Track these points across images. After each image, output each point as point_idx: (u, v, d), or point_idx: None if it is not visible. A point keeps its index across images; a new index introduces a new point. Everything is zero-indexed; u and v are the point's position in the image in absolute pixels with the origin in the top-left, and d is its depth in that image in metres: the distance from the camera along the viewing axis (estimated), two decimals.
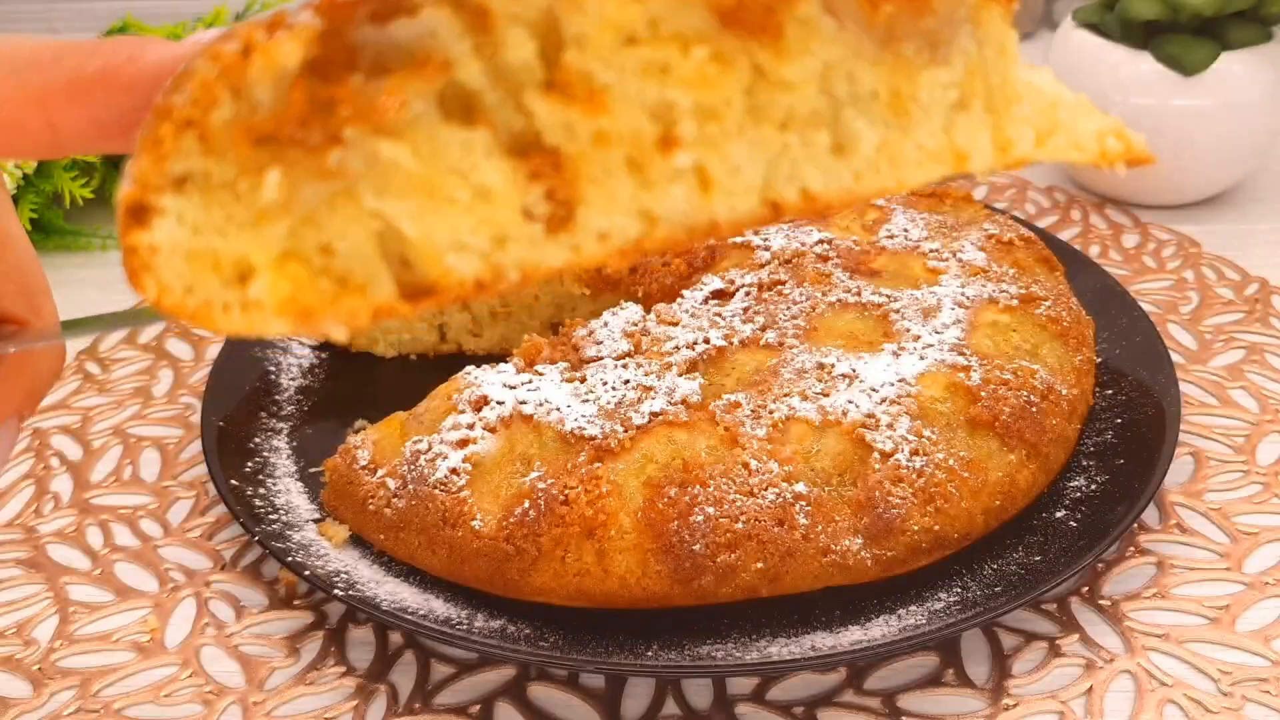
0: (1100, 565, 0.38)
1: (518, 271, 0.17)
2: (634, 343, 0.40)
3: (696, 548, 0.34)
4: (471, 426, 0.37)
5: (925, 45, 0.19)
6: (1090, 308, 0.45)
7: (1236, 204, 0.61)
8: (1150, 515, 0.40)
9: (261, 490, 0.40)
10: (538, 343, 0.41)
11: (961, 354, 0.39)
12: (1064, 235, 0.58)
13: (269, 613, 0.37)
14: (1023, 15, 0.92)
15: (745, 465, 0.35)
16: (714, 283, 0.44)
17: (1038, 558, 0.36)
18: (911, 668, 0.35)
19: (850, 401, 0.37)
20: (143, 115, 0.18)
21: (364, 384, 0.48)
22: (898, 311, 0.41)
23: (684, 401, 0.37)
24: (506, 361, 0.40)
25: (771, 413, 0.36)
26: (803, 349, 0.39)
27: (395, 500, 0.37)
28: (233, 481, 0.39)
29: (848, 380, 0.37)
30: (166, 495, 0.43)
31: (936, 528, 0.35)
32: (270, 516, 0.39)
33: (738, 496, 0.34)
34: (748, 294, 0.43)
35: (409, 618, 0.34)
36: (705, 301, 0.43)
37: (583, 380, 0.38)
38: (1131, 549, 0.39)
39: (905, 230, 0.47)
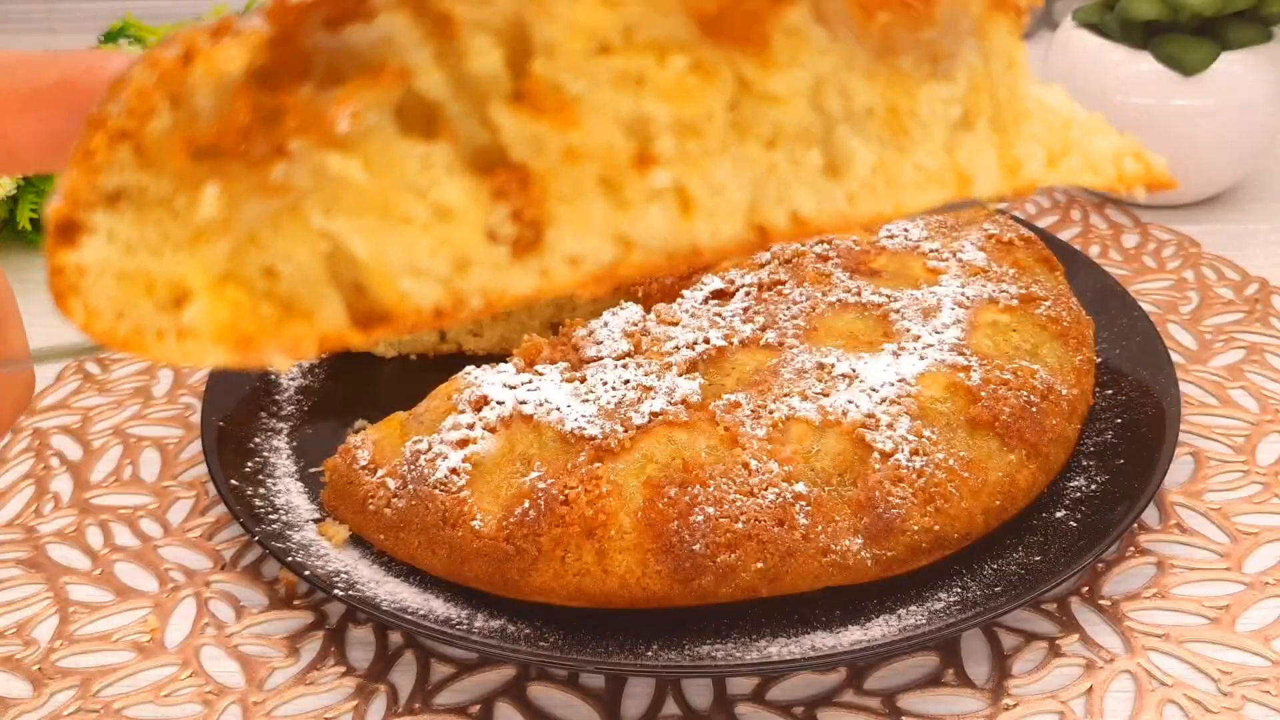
0: (1100, 565, 0.38)
1: (480, 298, 0.16)
2: (634, 343, 0.40)
3: (696, 548, 0.34)
4: (471, 426, 0.37)
5: (925, 58, 0.17)
6: (1090, 308, 0.45)
7: (1236, 204, 0.61)
8: (1150, 515, 0.40)
9: (261, 490, 0.40)
10: (538, 343, 0.41)
11: (961, 354, 0.39)
12: (1064, 235, 0.58)
13: (269, 613, 0.37)
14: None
15: (745, 465, 0.35)
16: (714, 283, 0.44)
17: (1038, 558, 0.36)
18: (911, 668, 0.35)
19: (850, 401, 0.37)
20: None
21: (364, 384, 0.48)
22: (898, 311, 0.41)
23: (684, 401, 0.36)
24: (506, 361, 0.40)
25: (771, 413, 0.36)
26: (803, 349, 0.39)
27: (395, 500, 0.37)
28: (233, 481, 0.39)
29: (848, 380, 0.37)
30: (166, 495, 0.43)
31: (936, 528, 0.35)
32: (270, 516, 0.39)
33: (738, 496, 0.34)
34: (748, 294, 0.43)
35: (409, 618, 0.34)
36: (705, 301, 0.43)
37: (583, 380, 0.38)
38: (1131, 549, 0.39)
39: (905, 230, 0.47)
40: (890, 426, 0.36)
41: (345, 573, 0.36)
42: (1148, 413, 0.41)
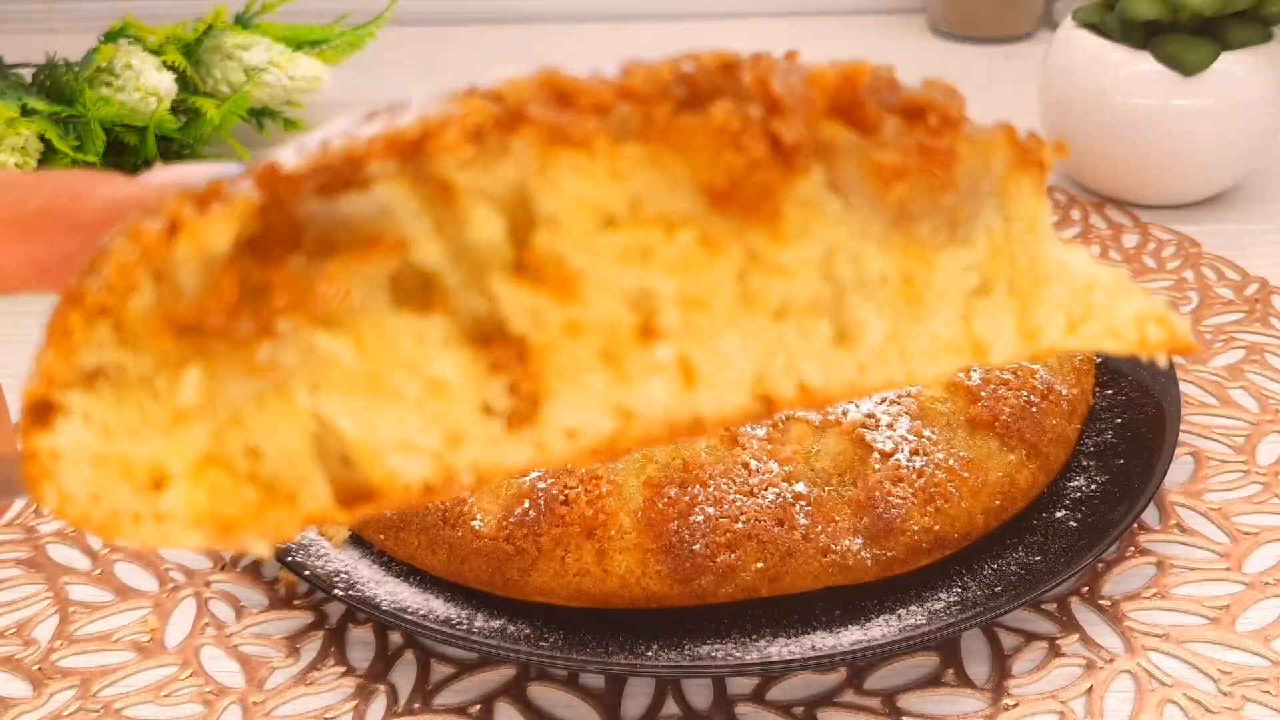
0: (1100, 565, 0.38)
1: (472, 474, 0.15)
2: None
3: (696, 548, 0.34)
4: None
5: (944, 224, 0.16)
6: None
7: (1236, 204, 0.61)
8: (1150, 515, 0.40)
9: None
10: None
11: None
12: (1064, 235, 0.58)
13: (269, 613, 0.37)
14: (1021, 15, 0.92)
15: (745, 465, 0.35)
16: None
17: (1038, 558, 0.36)
18: (911, 668, 0.35)
19: (850, 401, 0.37)
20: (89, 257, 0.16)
21: None
22: None
23: None
24: None
25: None
26: None
27: None
28: None
29: None
30: None
31: (936, 528, 0.35)
32: None
33: (738, 496, 0.34)
34: None
35: (409, 618, 0.34)
36: None
37: None
38: (1131, 549, 0.39)
39: None
40: (890, 426, 0.36)
41: (345, 572, 0.36)
42: (1148, 413, 0.41)
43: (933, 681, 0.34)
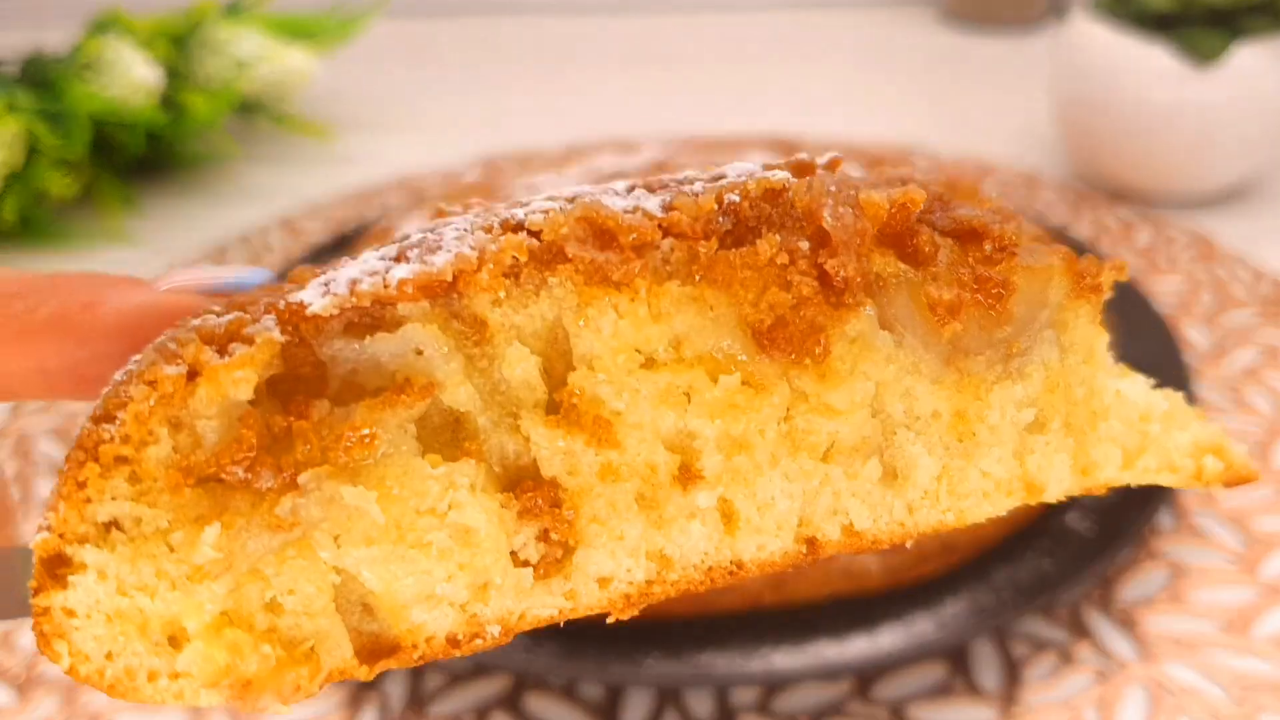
0: (1113, 571, 0.37)
1: (499, 626, 0.15)
2: None
3: None
4: None
5: (998, 357, 0.16)
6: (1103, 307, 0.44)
7: (1251, 199, 0.60)
8: (1164, 519, 0.39)
9: None
10: None
11: None
12: (1076, 232, 0.57)
13: None
14: (1029, 3, 0.91)
15: None
16: None
17: (1049, 563, 0.35)
18: (920, 677, 0.34)
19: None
20: (98, 368, 0.15)
21: None
22: None
23: None
24: None
25: None
26: None
27: None
28: None
29: None
30: None
31: (945, 533, 0.34)
32: None
33: None
34: None
35: None
36: None
37: None
38: (1144, 554, 0.38)
39: None
40: None
41: None
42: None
43: (942, 691, 0.33)
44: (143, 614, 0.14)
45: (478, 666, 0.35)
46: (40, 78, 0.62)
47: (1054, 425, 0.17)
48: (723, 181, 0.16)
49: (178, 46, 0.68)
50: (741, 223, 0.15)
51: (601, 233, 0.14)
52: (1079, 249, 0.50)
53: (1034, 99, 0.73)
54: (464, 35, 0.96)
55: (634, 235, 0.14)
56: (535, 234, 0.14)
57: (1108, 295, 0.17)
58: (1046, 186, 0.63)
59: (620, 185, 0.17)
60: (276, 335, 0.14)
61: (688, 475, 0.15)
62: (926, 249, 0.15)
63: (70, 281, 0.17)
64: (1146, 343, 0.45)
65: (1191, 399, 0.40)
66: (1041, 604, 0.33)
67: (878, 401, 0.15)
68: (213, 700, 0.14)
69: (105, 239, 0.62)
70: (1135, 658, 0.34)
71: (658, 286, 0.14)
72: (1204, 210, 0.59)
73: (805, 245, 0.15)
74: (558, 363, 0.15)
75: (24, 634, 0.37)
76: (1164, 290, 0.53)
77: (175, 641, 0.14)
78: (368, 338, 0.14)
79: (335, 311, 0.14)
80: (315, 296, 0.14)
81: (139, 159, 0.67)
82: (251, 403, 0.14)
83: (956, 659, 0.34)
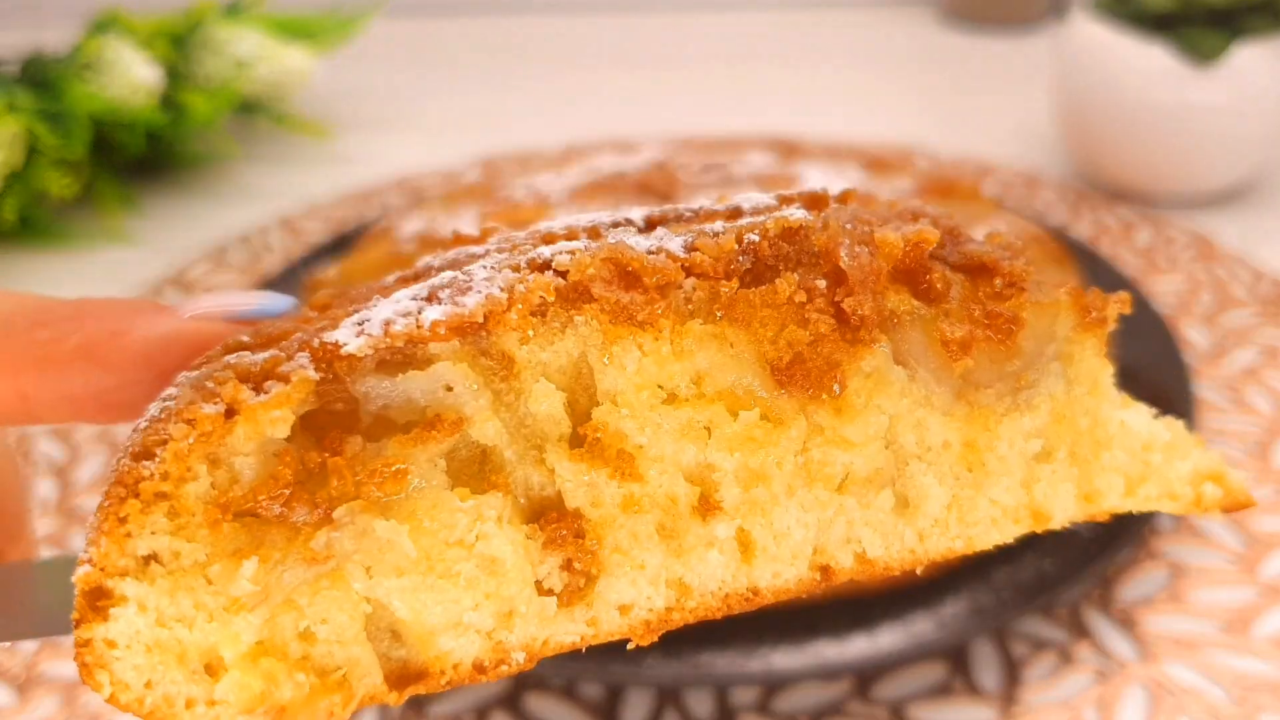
0: (1113, 570, 0.37)
1: (524, 652, 0.15)
2: None
3: None
4: None
5: (1007, 390, 0.17)
6: None
7: (1250, 199, 0.60)
8: (1164, 519, 0.39)
9: None
10: None
11: None
12: (1075, 232, 0.57)
13: None
14: (1029, 3, 0.91)
15: None
16: None
17: (1049, 563, 0.35)
18: (920, 676, 0.34)
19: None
20: (125, 394, 0.16)
21: None
22: None
23: None
24: None
25: None
26: None
27: None
28: None
29: None
30: None
31: None
32: None
33: None
34: None
35: None
36: None
37: None
38: (1144, 554, 0.38)
39: None
40: None
41: None
42: (1160, 414, 0.40)
43: (941, 691, 0.33)
44: (181, 644, 0.15)
45: None
46: (40, 78, 0.62)
47: (1060, 455, 0.17)
48: (742, 221, 0.16)
49: (178, 46, 0.68)
50: (760, 261, 0.15)
51: (626, 274, 0.15)
52: (1079, 249, 0.50)
53: (1034, 99, 0.73)
54: (464, 35, 0.96)
55: (658, 276, 0.15)
56: (562, 274, 0.15)
57: (1112, 328, 0.18)
58: (1046, 186, 0.63)
59: (637, 214, 0.18)
60: (311, 374, 0.14)
61: (707, 506, 0.15)
62: (939, 286, 0.16)
63: (97, 308, 0.17)
64: (1146, 343, 0.45)
65: (1191, 399, 0.40)
66: (1041, 604, 0.33)
67: (891, 433, 0.16)
68: None
69: (105, 239, 0.62)
70: (1135, 658, 0.34)
71: (680, 325, 0.15)
72: (1204, 210, 0.59)
73: (822, 284, 0.15)
74: (582, 397, 0.15)
75: None
76: (1164, 290, 0.53)
77: (212, 670, 0.15)
78: (400, 375, 0.15)
79: (370, 352, 0.14)
80: (350, 336, 0.15)
81: (139, 159, 0.67)
82: (287, 439, 0.15)
83: (956, 659, 0.34)
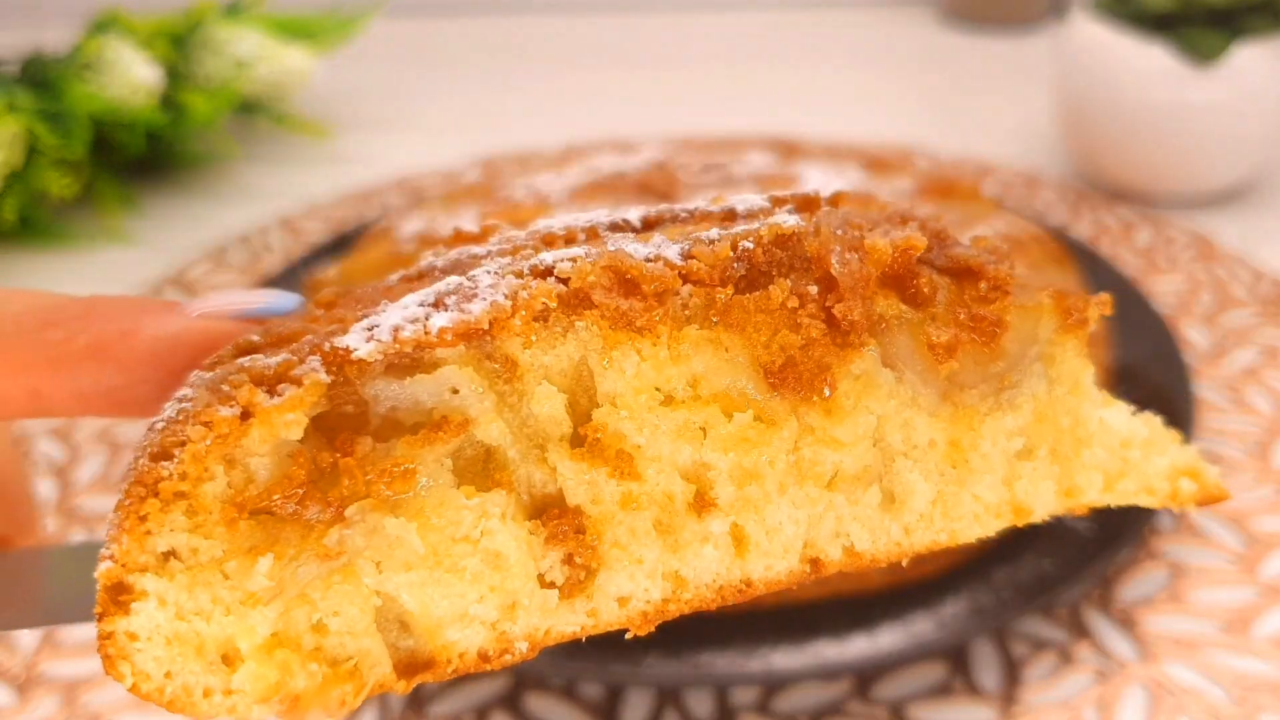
0: (1113, 570, 0.37)
1: (527, 642, 0.16)
2: None
3: None
4: None
5: (991, 390, 0.17)
6: None
7: (1251, 199, 0.60)
8: (1164, 519, 0.39)
9: None
10: None
11: None
12: (1075, 232, 0.57)
13: None
14: (1029, 2, 0.91)
15: None
16: None
17: (1049, 563, 0.35)
18: (919, 676, 0.34)
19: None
20: (135, 392, 0.16)
21: None
22: None
23: None
24: None
25: None
26: None
27: None
28: None
29: None
30: None
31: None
32: None
33: None
34: None
35: None
36: None
37: None
38: (1144, 554, 0.38)
39: None
40: None
41: None
42: (1161, 414, 0.40)
43: (941, 691, 0.33)
44: (199, 636, 0.15)
45: None
46: (40, 78, 0.62)
47: (1041, 453, 0.18)
48: (736, 227, 0.17)
49: (178, 46, 0.68)
50: (754, 267, 0.16)
51: (625, 281, 0.15)
52: (1079, 249, 0.50)
53: (1034, 99, 0.73)
54: (464, 35, 0.96)
55: (656, 284, 0.15)
56: (564, 281, 0.16)
57: (1093, 329, 0.19)
58: (1046, 186, 0.63)
59: (634, 215, 0.18)
60: (323, 377, 0.15)
61: (702, 503, 0.16)
62: (926, 290, 0.16)
63: (107, 307, 0.17)
64: (1146, 343, 0.45)
65: (1191, 399, 0.40)
66: (1041, 604, 0.33)
67: (878, 433, 0.17)
68: (264, 715, 0.15)
69: (105, 239, 0.62)
70: (1135, 658, 0.34)
71: (677, 331, 0.16)
72: (1204, 210, 0.59)
73: (814, 289, 0.16)
74: (582, 399, 0.16)
75: (24, 634, 0.37)
76: (1164, 290, 0.53)
77: (229, 661, 0.15)
78: (408, 378, 0.15)
79: (379, 357, 0.15)
80: (360, 341, 0.15)
81: (139, 159, 0.67)
82: (300, 440, 0.15)
83: (956, 659, 0.34)
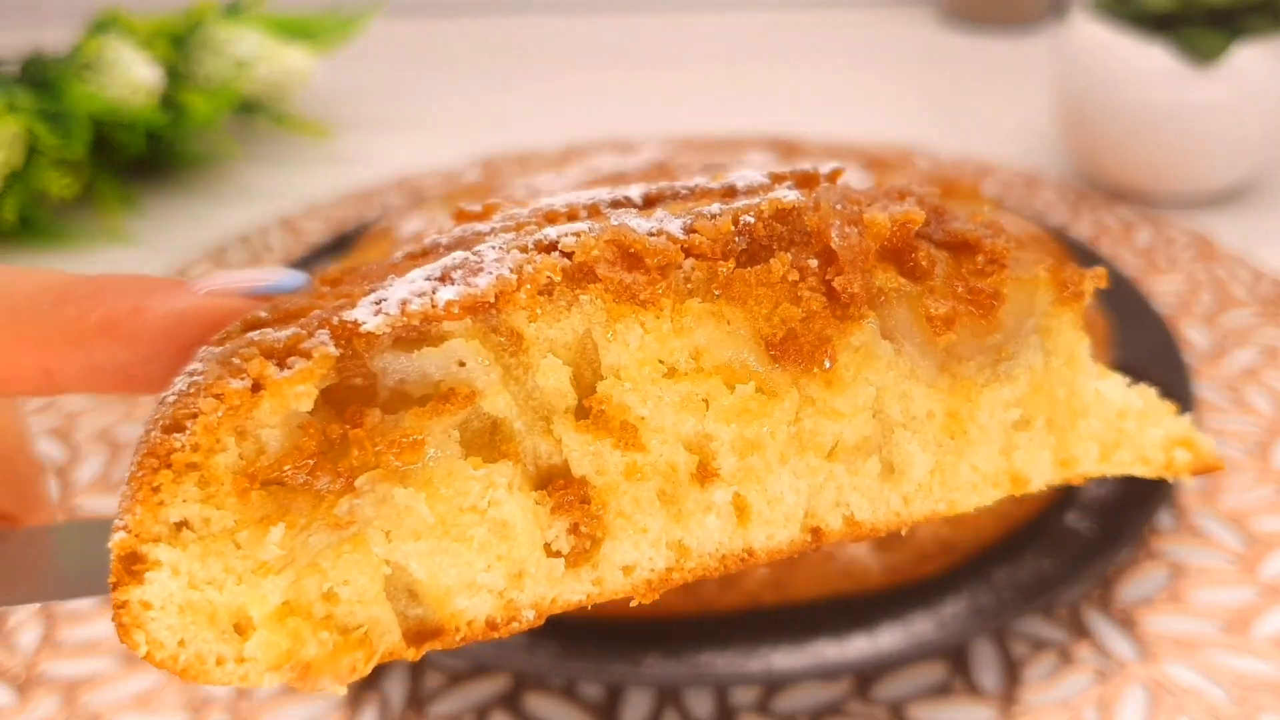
0: (1113, 570, 0.37)
1: (534, 610, 0.16)
2: None
3: None
4: None
5: (988, 362, 0.18)
6: (1102, 307, 0.44)
7: (1251, 199, 0.60)
8: (1164, 519, 0.39)
9: None
10: None
11: None
12: (1075, 232, 0.57)
13: None
14: (1029, 2, 0.91)
15: None
16: None
17: (1049, 563, 0.35)
18: (919, 676, 0.34)
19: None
20: (145, 368, 0.17)
21: None
22: None
23: None
24: None
25: None
26: None
27: None
28: None
29: None
30: None
31: (945, 532, 0.34)
32: None
33: None
34: None
35: None
36: None
37: None
38: (1144, 554, 0.38)
39: None
40: None
41: None
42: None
43: (941, 691, 0.33)
44: (212, 605, 0.15)
45: (477, 666, 0.35)
46: (40, 78, 0.62)
47: (1038, 423, 0.18)
48: (737, 202, 0.17)
49: (178, 46, 0.68)
50: (755, 241, 0.16)
51: (629, 255, 0.16)
52: (1079, 249, 0.50)
53: (1034, 99, 0.73)
54: (464, 35, 0.96)
55: (659, 258, 0.15)
56: (568, 255, 0.16)
57: (1088, 301, 0.19)
58: (1046, 186, 0.63)
59: (635, 192, 0.18)
60: (332, 350, 0.15)
61: (705, 474, 0.16)
62: (924, 264, 0.17)
63: (118, 285, 0.18)
64: (1146, 343, 0.45)
65: (1191, 399, 0.40)
66: (1041, 604, 0.33)
67: (878, 404, 0.17)
68: (275, 682, 0.16)
69: (105, 239, 0.62)
70: (1135, 658, 0.34)
71: (680, 304, 0.16)
72: (1204, 210, 0.59)
73: (814, 263, 0.16)
74: (587, 372, 0.16)
75: (24, 634, 0.37)
76: (1164, 290, 0.53)
77: (241, 629, 0.16)
78: (415, 351, 0.15)
79: (387, 330, 0.15)
80: (368, 315, 0.15)
81: (139, 159, 0.67)
82: (310, 412, 0.15)
83: (956, 659, 0.34)
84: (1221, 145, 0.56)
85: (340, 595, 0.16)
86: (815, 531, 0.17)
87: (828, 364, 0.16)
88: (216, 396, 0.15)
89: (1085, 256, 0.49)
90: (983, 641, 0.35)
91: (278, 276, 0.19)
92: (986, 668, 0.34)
